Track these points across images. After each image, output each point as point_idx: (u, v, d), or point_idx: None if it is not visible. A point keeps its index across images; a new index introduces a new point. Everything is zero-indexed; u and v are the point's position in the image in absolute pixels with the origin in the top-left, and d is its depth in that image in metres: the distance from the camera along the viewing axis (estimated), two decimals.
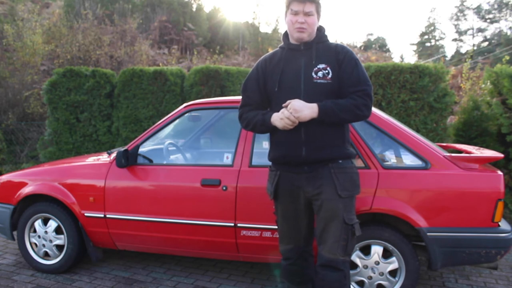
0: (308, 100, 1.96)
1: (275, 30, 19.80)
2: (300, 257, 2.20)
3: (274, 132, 2.10)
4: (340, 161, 2.03)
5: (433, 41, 42.49)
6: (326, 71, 2.00)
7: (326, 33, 2.14)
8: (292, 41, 2.09)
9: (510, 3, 36.12)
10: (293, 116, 1.91)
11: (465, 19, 41.48)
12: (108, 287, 2.91)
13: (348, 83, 1.98)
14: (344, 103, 1.95)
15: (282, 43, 2.15)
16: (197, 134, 3.61)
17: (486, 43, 36.74)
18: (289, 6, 2.03)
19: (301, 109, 1.91)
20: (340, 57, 2.01)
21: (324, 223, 2.02)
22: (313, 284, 2.25)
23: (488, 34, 38.44)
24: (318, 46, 2.06)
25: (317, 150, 2.00)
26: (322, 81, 1.99)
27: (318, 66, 2.01)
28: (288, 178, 2.09)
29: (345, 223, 1.99)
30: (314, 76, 2.00)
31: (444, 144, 3.49)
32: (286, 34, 2.13)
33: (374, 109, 2.74)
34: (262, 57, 2.21)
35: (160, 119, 4.98)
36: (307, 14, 2.00)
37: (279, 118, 1.96)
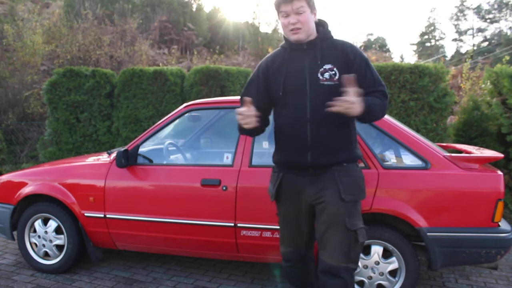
0: (315, 102, 1.89)
1: (275, 30, 19.80)
2: (300, 261, 2.16)
3: (279, 134, 2.05)
4: (345, 164, 1.96)
5: (433, 41, 42.51)
6: (333, 72, 1.90)
7: (329, 28, 2.02)
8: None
9: (510, 3, 36.13)
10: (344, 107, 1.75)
11: (465, 19, 41.53)
12: (108, 287, 2.91)
13: (363, 84, 1.87)
14: (381, 103, 1.89)
15: (284, 42, 2.04)
16: (197, 134, 3.61)
17: (486, 43, 36.76)
18: (279, 9, 1.95)
19: (353, 105, 1.75)
20: (351, 57, 1.92)
21: (325, 228, 1.95)
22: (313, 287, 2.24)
23: (488, 34, 38.51)
24: (322, 45, 1.96)
25: (323, 156, 1.93)
26: (329, 82, 1.90)
27: (324, 67, 1.91)
28: (291, 180, 2.04)
29: (347, 229, 1.91)
30: (321, 77, 1.90)
31: (444, 144, 3.49)
32: None
33: None
34: (264, 59, 2.11)
35: (160, 119, 4.98)
36: (298, 12, 1.89)
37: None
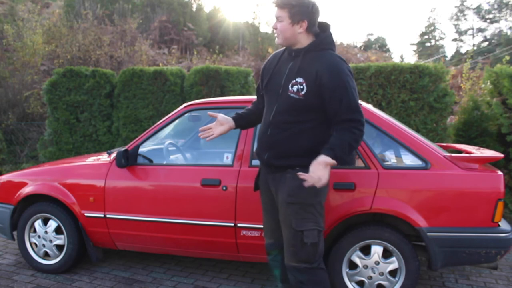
0: (279, 109, 2.00)
1: None
2: (280, 253, 2.23)
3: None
4: (298, 168, 2.00)
5: (433, 41, 42.48)
6: (301, 87, 1.95)
7: (330, 39, 2.03)
8: None
9: (510, 3, 36.12)
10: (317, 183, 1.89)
11: (465, 19, 41.58)
12: (108, 287, 2.91)
13: (339, 109, 1.91)
14: (348, 140, 1.90)
15: None
16: (197, 134, 3.60)
17: (486, 43, 36.74)
18: None
19: (320, 179, 1.88)
20: (323, 80, 1.91)
21: (282, 227, 2.08)
22: None
23: (488, 34, 38.48)
24: (306, 56, 2.00)
25: (277, 158, 2.04)
26: (294, 95, 1.97)
27: (296, 79, 1.97)
28: (263, 173, 2.20)
29: (293, 228, 1.98)
30: (290, 88, 1.98)
31: (444, 144, 3.49)
32: None
33: (374, 109, 2.74)
34: (272, 53, 2.26)
35: (160, 119, 4.97)
36: (278, 19, 2.01)
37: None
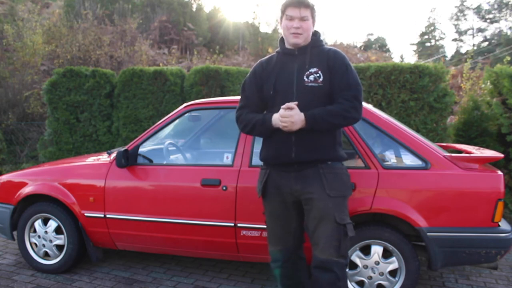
0: (300, 102, 2.00)
1: (275, 30, 19.83)
2: (288, 260, 2.21)
3: None
4: (330, 162, 2.06)
5: (433, 41, 42.50)
6: (318, 75, 2.03)
7: (322, 37, 2.17)
8: (287, 45, 2.13)
9: (510, 3, 36.12)
10: (288, 123, 1.95)
11: (465, 19, 41.54)
12: (108, 287, 2.91)
13: (339, 88, 2.02)
14: (332, 108, 1.98)
15: (278, 48, 2.20)
16: (197, 134, 3.61)
17: (486, 43, 36.74)
18: (284, 11, 2.07)
19: (295, 123, 1.94)
20: (331, 63, 2.04)
21: (316, 223, 2.03)
22: (304, 287, 2.27)
23: (488, 34, 38.48)
24: (312, 51, 2.09)
25: (306, 152, 2.02)
26: (313, 84, 2.02)
27: (310, 70, 2.04)
28: (278, 176, 2.11)
29: (337, 222, 1.99)
30: (306, 79, 2.03)
31: (444, 144, 3.49)
32: (282, 39, 2.17)
33: (374, 109, 2.74)
34: (259, 61, 2.26)
35: (160, 119, 4.98)
36: (303, 19, 2.03)
37: (279, 121, 1.99)
